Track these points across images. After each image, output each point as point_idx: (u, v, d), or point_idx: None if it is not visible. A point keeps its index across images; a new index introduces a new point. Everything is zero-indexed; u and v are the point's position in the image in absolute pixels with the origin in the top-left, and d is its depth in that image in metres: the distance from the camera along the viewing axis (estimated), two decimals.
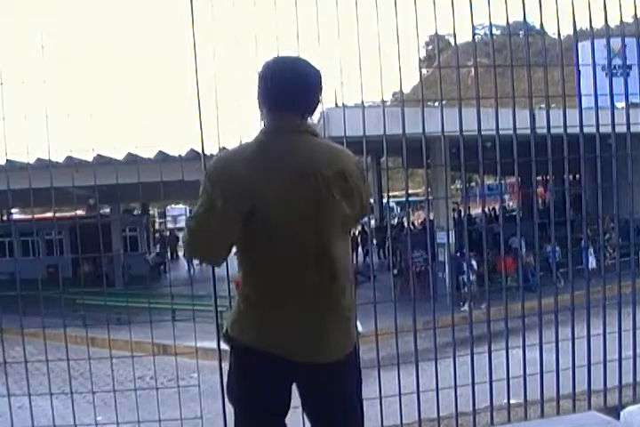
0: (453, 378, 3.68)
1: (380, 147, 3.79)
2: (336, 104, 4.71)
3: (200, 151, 3.46)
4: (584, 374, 3.77)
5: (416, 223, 27.71)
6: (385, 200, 27.73)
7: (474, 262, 12.76)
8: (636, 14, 3.90)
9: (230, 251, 2.04)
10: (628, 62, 4.65)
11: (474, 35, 3.78)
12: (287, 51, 3.28)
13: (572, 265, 3.85)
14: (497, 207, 5.15)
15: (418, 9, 3.52)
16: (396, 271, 16.20)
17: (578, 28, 3.99)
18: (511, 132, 3.71)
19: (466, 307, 3.89)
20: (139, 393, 4.62)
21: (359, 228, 27.54)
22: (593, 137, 3.83)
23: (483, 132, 3.73)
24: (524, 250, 13.45)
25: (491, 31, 3.75)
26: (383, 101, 4.37)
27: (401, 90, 3.79)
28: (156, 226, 40.14)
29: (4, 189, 4.17)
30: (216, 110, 3.27)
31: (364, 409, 2.26)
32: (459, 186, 35.07)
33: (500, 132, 3.74)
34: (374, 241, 22.98)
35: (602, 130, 3.83)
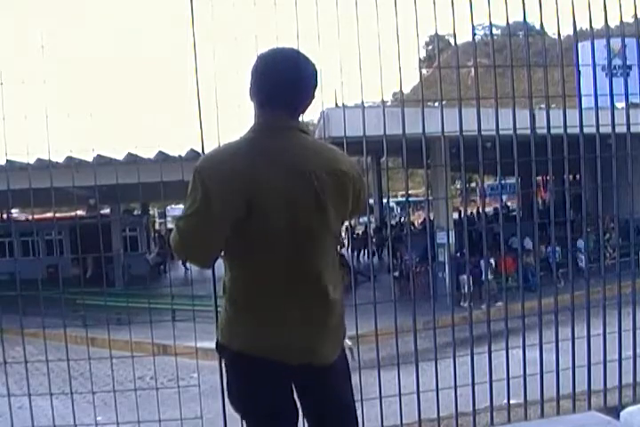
0: (453, 378, 3.68)
1: (380, 147, 3.79)
2: (336, 104, 4.71)
3: (200, 151, 3.46)
4: (584, 374, 3.77)
5: (416, 223, 27.70)
6: (385, 200, 27.74)
7: (492, 261, 12.87)
8: (635, 14, 3.90)
9: (219, 253, 1.98)
10: (628, 62, 4.65)
11: (474, 35, 3.78)
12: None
13: (571, 265, 3.85)
14: (500, 207, 5.14)
15: (418, 9, 3.52)
16: (397, 273, 15.97)
17: (578, 28, 3.99)
18: (511, 132, 3.71)
19: (466, 304, 3.89)
20: (139, 393, 4.61)
21: (362, 228, 27.55)
22: (593, 137, 3.83)
23: (483, 133, 3.73)
24: (529, 247, 13.48)
25: (491, 31, 3.75)
26: (383, 101, 4.37)
27: (401, 90, 3.79)
28: (156, 226, 40.15)
29: (4, 189, 4.17)
30: (216, 110, 3.27)
31: (364, 409, 2.26)
32: (459, 186, 35.06)
33: (500, 132, 3.74)
34: (374, 240, 22.94)
35: (602, 130, 3.83)
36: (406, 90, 5.68)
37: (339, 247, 2.31)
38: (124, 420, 4.09)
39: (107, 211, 24.98)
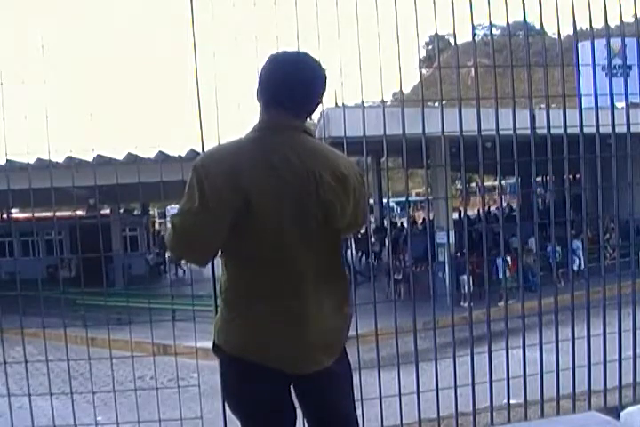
0: (453, 378, 3.68)
1: (380, 147, 3.79)
2: (336, 104, 4.70)
3: (200, 151, 3.46)
4: (584, 374, 3.77)
5: (418, 223, 27.68)
6: (385, 200, 27.75)
7: (509, 259, 12.94)
8: (635, 14, 3.90)
9: (216, 252, 1.95)
10: (628, 62, 4.64)
11: (474, 35, 3.78)
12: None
13: (570, 265, 3.85)
14: (500, 207, 5.13)
15: (418, 9, 3.52)
16: (400, 276, 15.63)
17: (578, 28, 4.00)
18: (511, 132, 3.71)
19: (466, 304, 3.89)
20: (139, 393, 4.61)
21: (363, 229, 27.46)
22: (593, 137, 3.83)
23: (483, 133, 3.73)
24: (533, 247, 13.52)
25: (491, 31, 3.75)
26: (383, 101, 4.37)
27: (401, 90, 3.79)
28: (156, 226, 40.13)
29: (4, 189, 4.17)
30: (216, 110, 3.27)
31: (364, 409, 2.25)
32: (459, 186, 35.07)
33: (500, 132, 3.74)
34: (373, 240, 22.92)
35: (602, 130, 3.83)
36: (406, 90, 5.68)
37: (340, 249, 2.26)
38: (124, 420, 4.09)
39: (107, 211, 24.98)
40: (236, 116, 3.27)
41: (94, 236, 4.79)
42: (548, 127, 3.72)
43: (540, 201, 29.13)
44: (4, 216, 28.41)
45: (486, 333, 3.81)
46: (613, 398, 3.78)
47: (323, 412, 2.10)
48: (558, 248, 4.49)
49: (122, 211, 27.80)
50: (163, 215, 41.57)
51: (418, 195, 36.43)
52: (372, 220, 26.55)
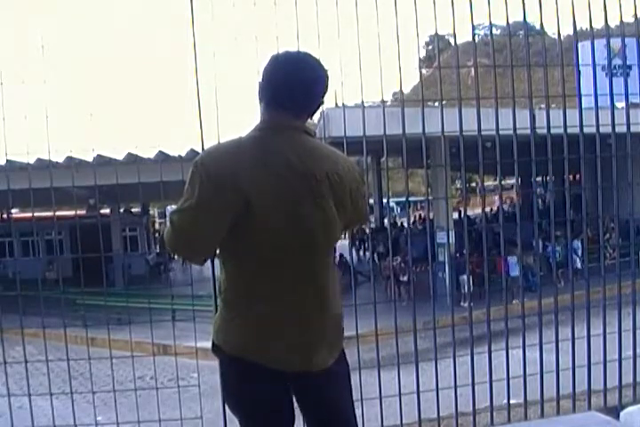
0: (453, 378, 3.68)
1: (380, 147, 3.79)
2: (336, 104, 4.70)
3: (200, 151, 3.46)
4: (584, 374, 3.77)
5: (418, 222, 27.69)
6: (385, 200, 27.75)
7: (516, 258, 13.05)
8: (635, 14, 3.90)
9: (214, 250, 1.95)
10: (628, 62, 4.64)
11: (474, 35, 3.78)
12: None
13: (571, 265, 3.85)
14: (501, 207, 5.13)
15: (418, 9, 3.52)
16: (405, 278, 15.49)
17: (578, 28, 4.00)
18: (511, 132, 3.71)
19: (465, 304, 3.90)
20: (139, 393, 4.61)
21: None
22: (593, 137, 3.83)
23: (483, 133, 3.73)
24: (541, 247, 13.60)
25: (491, 31, 3.76)
26: (383, 101, 4.37)
27: (401, 90, 3.79)
28: (156, 226, 40.12)
29: (4, 189, 4.17)
30: (216, 110, 3.27)
31: (364, 409, 2.25)
32: (459, 186, 35.08)
33: (500, 132, 3.74)
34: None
35: (602, 130, 3.83)
36: (406, 90, 5.68)
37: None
38: (124, 420, 4.09)
39: (107, 211, 24.99)
40: (235, 116, 3.28)
41: (94, 236, 4.79)
42: (548, 127, 3.72)
43: (539, 201, 29.13)
44: (4, 216, 28.41)
45: (486, 333, 3.81)
46: (613, 398, 3.78)
47: (322, 412, 2.09)
48: (558, 248, 4.48)
49: (122, 211, 27.79)
50: (163, 215, 41.54)
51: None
52: (372, 220, 26.55)
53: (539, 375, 3.73)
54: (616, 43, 4.01)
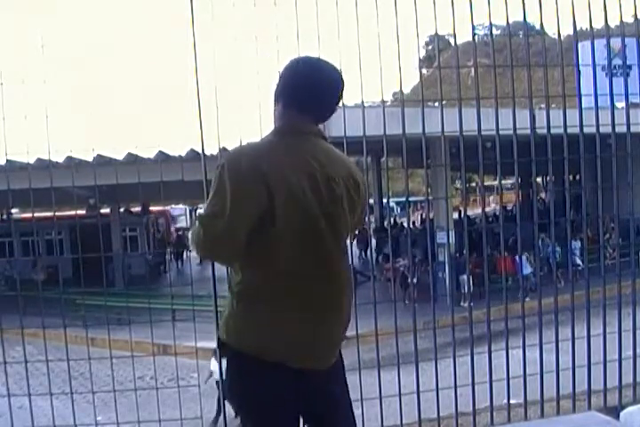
0: (453, 378, 3.68)
1: (380, 147, 3.79)
2: None
3: (200, 151, 3.46)
4: (584, 374, 3.77)
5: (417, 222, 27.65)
6: (385, 200, 27.73)
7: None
8: (635, 14, 3.90)
9: (243, 250, 1.94)
10: (628, 62, 4.64)
11: (474, 35, 3.78)
12: (287, 51, 3.29)
13: (570, 265, 3.85)
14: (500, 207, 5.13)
15: (418, 9, 3.52)
16: (416, 280, 15.58)
17: (578, 28, 4.00)
18: (511, 132, 3.71)
19: (466, 304, 3.90)
20: (139, 393, 4.62)
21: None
22: (593, 137, 3.83)
23: (483, 133, 3.73)
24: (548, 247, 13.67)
25: (491, 31, 3.76)
26: (383, 101, 4.37)
27: (401, 90, 3.79)
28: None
29: (4, 189, 4.17)
30: (216, 110, 3.27)
31: (364, 409, 2.25)
32: (458, 186, 35.06)
33: (500, 132, 3.74)
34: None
35: (602, 130, 3.83)
36: (406, 90, 5.68)
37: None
38: (124, 420, 4.10)
39: (107, 211, 24.98)
40: (235, 116, 3.28)
41: (94, 236, 4.79)
42: (548, 127, 3.72)
43: (539, 201, 29.11)
44: (4, 216, 28.41)
45: (486, 333, 3.81)
46: (613, 398, 3.78)
47: (323, 407, 2.11)
48: (558, 248, 4.48)
49: (122, 210, 27.77)
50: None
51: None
52: (372, 220, 26.52)
53: (539, 375, 3.73)
54: (616, 43, 4.01)
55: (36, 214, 5.05)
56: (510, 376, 3.70)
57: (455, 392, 3.65)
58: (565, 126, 3.74)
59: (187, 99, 3.59)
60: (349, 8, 3.45)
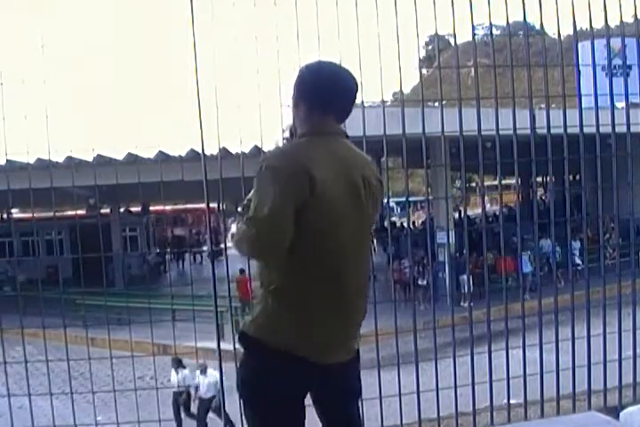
0: (453, 378, 3.68)
1: (380, 147, 3.79)
2: None
3: (200, 151, 3.46)
4: (584, 374, 3.77)
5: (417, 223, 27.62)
6: (385, 200, 27.66)
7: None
8: (635, 14, 3.90)
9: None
10: (628, 62, 4.65)
11: (474, 35, 3.78)
12: (287, 51, 3.29)
13: (570, 265, 3.85)
14: (500, 207, 5.14)
15: (418, 9, 3.52)
16: (424, 281, 15.35)
17: (578, 28, 4.00)
18: (511, 132, 3.71)
19: (465, 304, 3.90)
20: (139, 393, 4.62)
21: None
22: (593, 137, 3.83)
23: (483, 133, 3.73)
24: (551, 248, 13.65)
25: (491, 31, 3.76)
26: (383, 101, 4.37)
27: (401, 90, 3.79)
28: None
29: (4, 189, 4.17)
30: (216, 110, 3.27)
31: (364, 409, 2.26)
32: (459, 186, 35.06)
33: (500, 132, 3.74)
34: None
35: (602, 130, 3.83)
36: (406, 90, 5.68)
37: None
38: (123, 420, 4.10)
39: (107, 211, 24.97)
40: (235, 116, 3.28)
41: (94, 236, 4.79)
42: (548, 127, 3.72)
43: (539, 201, 29.10)
44: (4, 216, 28.39)
45: (486, 333, 3.81)
46: (613, 398, 3.78)
47: (336, 403, 2.17)
48: (558, 248, 4.48)
49: (122, 210, 27.77)
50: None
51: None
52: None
53: (539, 375, 3.73)
54: (616, 43, 4.01)
55: (36, 214, 5.04)
56: (510, 376, 3.70)
57: (455, 392, 3.65)
58: (565, 126, 3.74)
59: (187, 99, 3.60)
60: (349, 8, 3.46)
